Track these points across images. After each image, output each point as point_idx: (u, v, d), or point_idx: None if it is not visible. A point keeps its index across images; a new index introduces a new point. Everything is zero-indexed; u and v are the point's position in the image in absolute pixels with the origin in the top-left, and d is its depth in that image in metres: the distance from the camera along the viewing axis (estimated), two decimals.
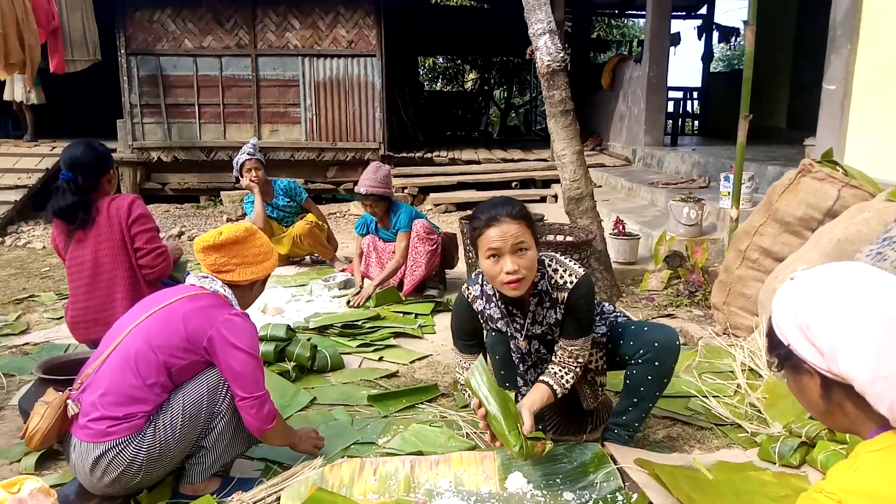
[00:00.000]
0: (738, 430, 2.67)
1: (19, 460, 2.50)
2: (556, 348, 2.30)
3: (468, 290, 2.33)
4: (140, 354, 2.04)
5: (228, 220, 8.37)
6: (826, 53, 4.88)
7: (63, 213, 2.96)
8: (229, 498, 2.19)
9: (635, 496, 2.17)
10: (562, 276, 2.20)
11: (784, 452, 2.35)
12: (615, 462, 2.33)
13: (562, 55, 4.15)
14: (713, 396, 2.92)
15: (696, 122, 14.57)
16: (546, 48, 4.14)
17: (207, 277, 2.26)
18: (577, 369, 2.29)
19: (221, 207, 9.11)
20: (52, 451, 2.48)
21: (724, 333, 3.71)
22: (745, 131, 4.23)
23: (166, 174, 9.64)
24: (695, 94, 14.63)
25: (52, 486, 2.17)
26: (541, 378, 2.29)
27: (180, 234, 7.31)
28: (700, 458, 2.45)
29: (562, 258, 2.27)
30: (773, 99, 11.74)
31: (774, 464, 2.35)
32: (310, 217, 5.55)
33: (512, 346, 2.35)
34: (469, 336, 2.36)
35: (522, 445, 2.04)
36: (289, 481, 2.25)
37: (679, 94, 14.47)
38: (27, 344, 3.80)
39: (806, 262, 3.23)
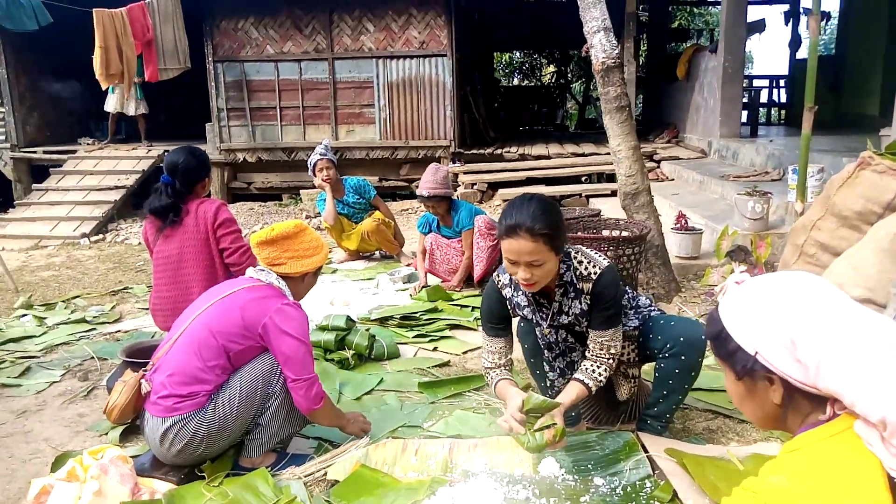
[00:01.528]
0: None
1: (107, 433, 2.82)
2: (588, 341, 2.39)
3: (498, 277, 2.45)
4: (203, 340, 2.29)
5: (307, 216, 8.76)
6: None
7: (157, 212, 3.31)
8: (283, 471, 2.41)
9: (662, 483, 2.24)
10: (586, 268, 2.29)
11: None
12: (645, 451, 2.41)
13: (616, 52, 4.18)
14: None
15: (783, 112, 14.01)
16: (601, 45, 4.18)
17: (264, 270, 2.49)
18: (611, 361, 2.35)
19: (301, 205, 9.54)
20: (134, 427, 2.78)
21: None
22: (810, 123, 4.14)
23: (251, 174, 10.17)
24: (781, 83, 14.06)
25: (131, 457, 2.46)
26: (574, 376, 2.37)
27: None
28: (735, 449, 2.48)
29: (587, 250, 2.34)
30: (866, 86, 11.15)
31: None
32: (377, 214, 5.79)
33: (538, 333, 2.46)
34: (497, 320, 2.47)
35: (529, 439, 2.14)
36: (336, 458, 2.45)
37: (765, 83, 13.95)
38: (119, 332, 4.20)
39: (861, 257, 3.17)
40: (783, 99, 13.93)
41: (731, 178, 6.66)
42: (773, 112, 14.22)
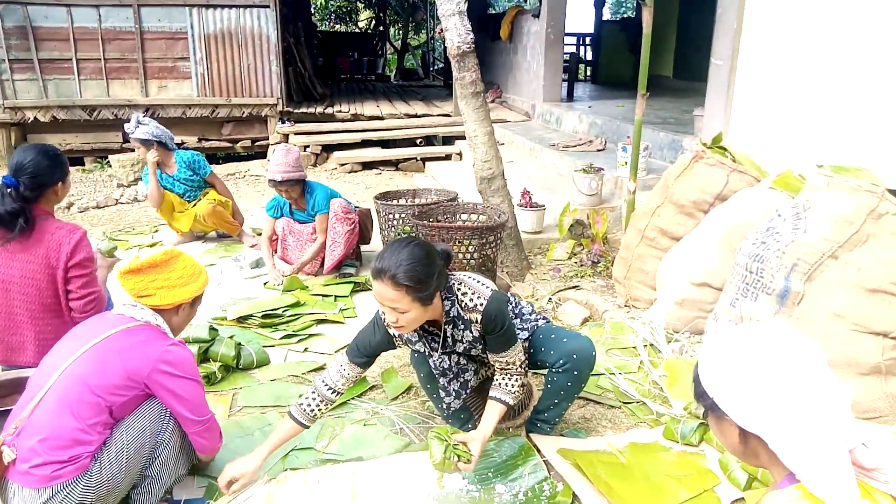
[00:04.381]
0: (644, 408, 2.96)
1: None
2: (492, 361, 2.44)
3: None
4: (79, 396, 2.02)
5: (119, 185, 7.95)
6: (714, 30, 5.15)
7: (1, 221, 2.75)
8: None
9: (560, 485, 2.41)
10: (471, 299, 2.30)
11: (685, 433, 2.66)
12: (540, 453, 2.56)
13: (471, 37, 4.19)
14: (620, 373, 3.21)
15: (589, 69, 14.94)
16: (456, 29, 4.16)
17: (136, 306, 2.24)
18: (520, 369, 2.42)
19: (111, 171, 8.60)
20: None
21: (625, 305, 4.03)
22: (642, 109, 4.42)
23: (45, 135, 8.94)
24: (587, 40, 14.92)
25: None
26: (490, 394, 2.41)
27: (69, 205, 6.88)
28: (613, 439, 2.71)
29: (470, 280, 2.33)
30: (660, 48, 12.21)
31: (677, 443, 2.66)
32: (213, 195, 5.39)
33: (431, 363, 2.49)
34: (369, 352, 2.45)
35: (444, 460, 2.19)
36: (236, 500, 2.33)
37: (573, 40, 14.75)
38: None
39: (699, 245, 3.55)
40: (589, 57, 14.84)
41: (560, 147, 7.04)
42: (580, 69, 15.09)
